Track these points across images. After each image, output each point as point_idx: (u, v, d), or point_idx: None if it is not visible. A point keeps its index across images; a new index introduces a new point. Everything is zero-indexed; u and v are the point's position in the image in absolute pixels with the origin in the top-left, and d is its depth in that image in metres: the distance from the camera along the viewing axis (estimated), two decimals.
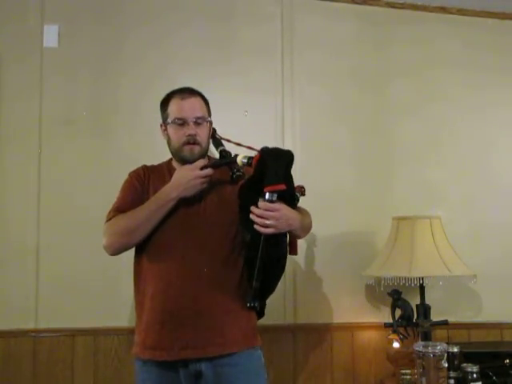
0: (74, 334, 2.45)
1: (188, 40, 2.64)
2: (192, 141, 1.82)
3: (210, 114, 1.92)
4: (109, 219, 1.83)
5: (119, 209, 1.84)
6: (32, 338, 2.44)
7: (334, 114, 2.63)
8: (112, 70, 2.62)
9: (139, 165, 2.55)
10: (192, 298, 1.72)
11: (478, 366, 2.08)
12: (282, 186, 1.63)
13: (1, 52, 2.58)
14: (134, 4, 2.66)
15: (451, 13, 2.71)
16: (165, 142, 2.59)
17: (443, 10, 2.71)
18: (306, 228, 1.90)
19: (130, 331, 2.44)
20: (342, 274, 2.56)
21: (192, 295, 1.72)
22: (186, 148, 1.84)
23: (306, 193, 2.08)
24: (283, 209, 1.66)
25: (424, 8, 2.70)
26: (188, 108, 1.84)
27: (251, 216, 1.65)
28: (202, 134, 1.84)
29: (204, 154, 1.87)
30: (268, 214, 1.63)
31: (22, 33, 2.60)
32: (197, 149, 1.84)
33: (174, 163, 1.94)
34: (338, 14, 2.69)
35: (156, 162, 2.56)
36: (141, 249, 1.83)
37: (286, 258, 1.80)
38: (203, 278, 1.74)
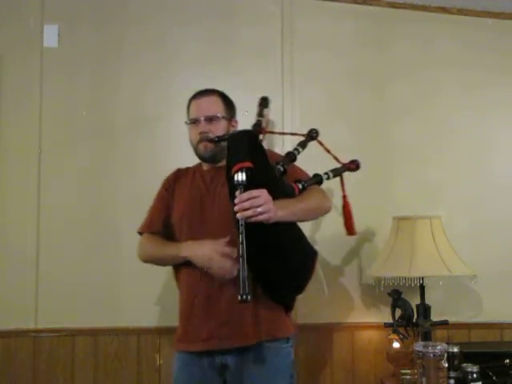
0: (74, 334, 2.46)
1: (188, 40, 2.65)
2: (205, 138, 1.88)
3: (229, 112, 1.96)
4: (140, 232, 2.01)
5: (149, 223, 2.00)
6: (32, 338, 2.44)
7: (334, 114, 2.63)
8: (112, 69, 2.62)
9: (139, 164, 2.59)
10: (212, 293, 1.78)
11: (478, 366, 2.07)
12: (247, 164, 1.62)
13: (1, 52, 2.58)
14: (133, 4, 2.66)
15: (451, 13, 2.71)
16: (163, 142, 2.63)
17: (443, 9, 2.70)
18: (305, 212, 1.80)
19: (130, 331, 2.47)
20: (342, 274, 2.56)
21: (212, 290, 1.77)
22: (200, 146, 1.91)
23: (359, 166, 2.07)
24: (264, 196, 1.61)
25: (424, 8, 2.69)
26: (200, 107, 1.92)
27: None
28: (216, 130, 1.89)
29: (220, 150, 1.88)
30: (247, 200, 1.60)
31: (22, 33, 2.60)
32: (210, 146, 1.89)
33: (203, 164, 2.00)
34: (338, 14, 2.69)
35: (155, 162, 2.58)
36: None
37: (281, 246, 1.75)
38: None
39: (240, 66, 2.64)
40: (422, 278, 2.28)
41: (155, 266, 2.50)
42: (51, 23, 2.61)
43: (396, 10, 2.70)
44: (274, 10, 2.67)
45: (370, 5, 2.69)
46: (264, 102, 2.29)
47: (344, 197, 2.13)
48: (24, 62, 2.59)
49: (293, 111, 2.61)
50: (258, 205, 1.59)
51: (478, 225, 2.60)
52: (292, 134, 2.26)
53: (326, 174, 1.96)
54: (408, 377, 2.24)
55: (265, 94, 2.28)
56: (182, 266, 1.88)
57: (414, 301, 2.33)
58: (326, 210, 1.90)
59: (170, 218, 1.96)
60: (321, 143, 2.14)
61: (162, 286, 2.51)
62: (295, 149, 2.01)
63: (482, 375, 2.08)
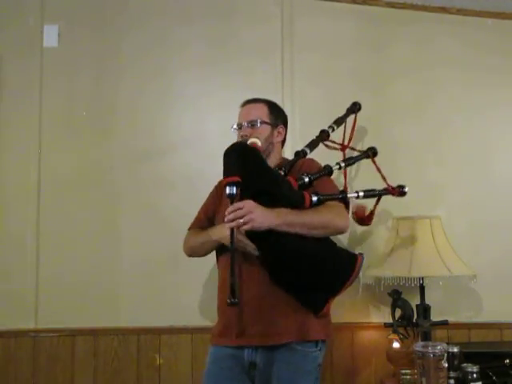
0: (74, 333, 2.46)
1: (188, 40, 2.65)
2: (245, 141, 1.95)
3: (275, 119, 2.04)
4: (189, 228, 2.11)
5: (197, 221, 2.12)
6: (32, 338, 2.45)
7: (334, 114, 2.61)
8: (112, 69, 2.62)
9: (138, 165, 2.58)
10: (245, 292, 1.81)
11: (478, 366, 2.07)
12: (235, 178, 1.73)
13: (1, 52, 2.58)
14: (133, 4, 2.67)
15: (451, 13, 2.71)
16: (162, 142, 2.63)
17: (443, 9, 2.70)
18: (308, 226, 1.80)
19: (130, 331, 2.47)
20: None
21: (245, 290, 1.81)
22: None
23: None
24: (247, 206, 1.71)
25: (424, 8, 2.69)
26: (242, 114, 2.04)
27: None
28: (256, 134, 1.97)
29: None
30: (231, 213, 1.72)
31: (22, 33, 2.61)
32: None
33: None
34: (338, 14, 2.69)
35: (155, 160, 2.58)
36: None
37: (299, 253, 1.80)
38: (255, 275, 1.83)
39: (240, 66, 2.64)
40: (422, 278, 2.28)
41: (153, 267, 2.52)
42: (51, 23, 2.61)
43: (396, 10, 2.70)
44: (273, 9, 2.67)
45: (370, 5, 2.69)
46: (353, 107, 2.37)
47: (371, 213, 2.19)
48: (24, 62, 2.59)
49: (293, 111, 2.60)
50: (240, 216, 1.70)
51: (478, 225, 2.59)
52: (352, 148, 2.32)
53: (357, 192, 1.96)
54: (408, 377, 2.24)
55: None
56: (220, 261, 1.98)
57: (414, 301, 2.33)
58: (338, 229, 1.88)
59: (214, 218, 2.04)
60: (374, 162, 2.23)
61: (161, 286, 2.51)
62: (337, 163, 2.08)
63: (482, 375, 2.08)
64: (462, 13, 2.70)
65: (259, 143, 1.93)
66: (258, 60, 2.64)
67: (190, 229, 2.12)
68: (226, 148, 1.83)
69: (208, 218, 2.07)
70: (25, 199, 2.53)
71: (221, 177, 2.08)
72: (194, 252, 2.06)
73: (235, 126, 2.04)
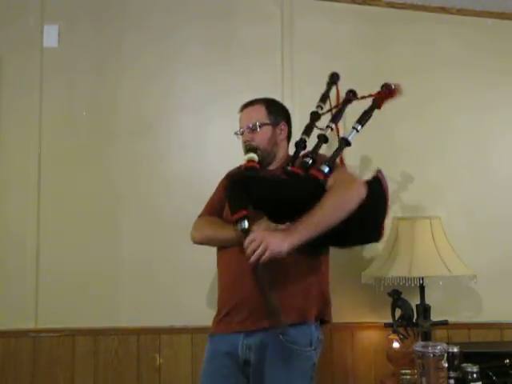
0: (74, 333, 2.46)
1: (188, 40, 2.65)
2: (248, 146, 1.96)
3: (275, 118, 2.02)
4: (201, 214, 2.07)
5: (207, 209, 2.08)
6: (32, 338, 2.45)
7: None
8: (112, 69, 2.62)
9: (139, 165, 2.59)
10: (239, 288, 1.84)
11: (477, 366, 2.07)
12: (242, 213, 1.75)
13: (1, 52, 2.58)
14: (133, 4, 2.67)
15: (451, 13, 2.71)
16: (164, 142, 2.63)
17: (443, 10, 2.70)
18: (328, 217, 1.74)
19: (130, 331, 2.47)
20: (341, 274, 2.55)
21: (239, 286, 1.84)
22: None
23: None
24: (258, 237, 1.68)
25: (424, 8, 2.69)
26: (242, 120, 2.03)
27: None
28: (258, 138, 1.97)
29: (265, 155, 1.97)
30: (249, 248, 1.69)
31: (22, 33, 2.61)
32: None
33: None
34: (338, 13, 2.69)
35: (155, 162, 2.59)
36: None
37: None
38: (248, 272, 1.80)
39: (240, 66, 2.64)
40: (422, 278, 2.28)
41: (153, 267, 2.52)
42: (51, 23, 2.61)
43: (395, 10, 2.70)
44: (273, 10, 2.67)
45: (370, 5, 2.69)
46: (331, 79, 2.23)
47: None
48: (24, 62, 2.59)
49: (293, 111, 2.59)
50: (255, 248, 1.67)
51: (478, 225, 2.59)
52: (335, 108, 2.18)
53: (353, 128, 1.94)
54: (408, 377, 2.24)
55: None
56: (221, 255, 1.96)
57: (414, 301, 2.33)
58: (358, 196, 1.81)
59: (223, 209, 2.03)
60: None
61: (161, 286, 2.51)
62: (327, 126, 2.03)
63: (482, 375, 2.08)
64: (462, 13, 2.71)
65: (256, 158, 1.90)
66: (257, 60, 2.64)
67: (202, 215, 2.06)
68: (226, 173, 1.89)
69: (221, 206, 2.02)
70: (25, 199, 2.53)
71: (220, 177, 2.08)
72: (209, 242, 2.00)
73: (237, 133, 2.02)
